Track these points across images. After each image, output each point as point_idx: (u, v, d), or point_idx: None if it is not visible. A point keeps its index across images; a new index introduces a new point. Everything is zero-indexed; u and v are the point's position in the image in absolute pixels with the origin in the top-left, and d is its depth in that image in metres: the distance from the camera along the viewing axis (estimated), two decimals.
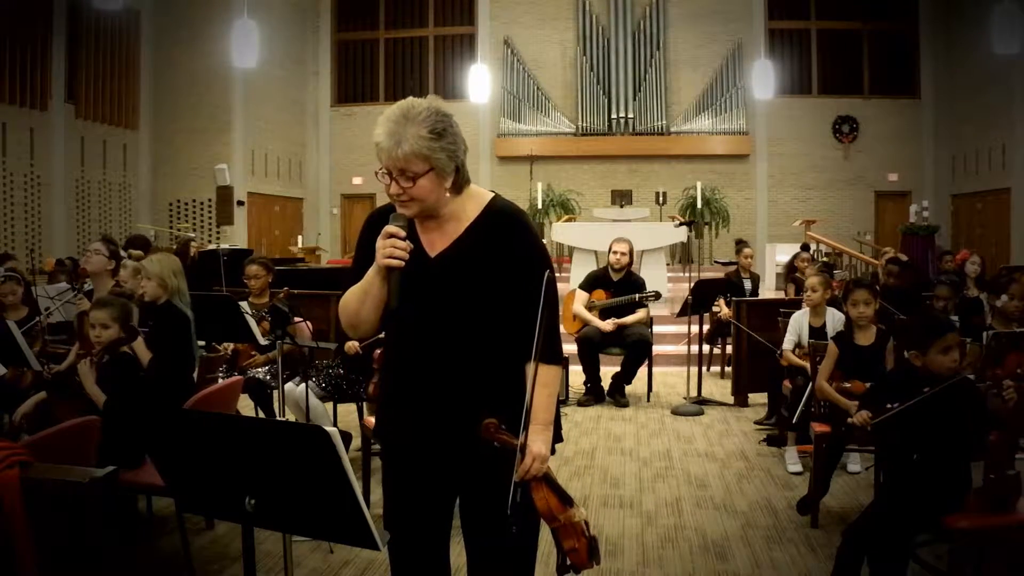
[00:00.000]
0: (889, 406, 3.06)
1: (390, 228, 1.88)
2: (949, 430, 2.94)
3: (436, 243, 2.00)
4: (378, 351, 4.69)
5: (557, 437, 2.08)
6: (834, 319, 5.02)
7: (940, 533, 2.96)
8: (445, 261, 1.98)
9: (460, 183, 1.97)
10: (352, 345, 4.81)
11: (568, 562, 1.88)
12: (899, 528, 2.85)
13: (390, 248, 1.87)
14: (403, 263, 1.87)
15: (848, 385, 3.91)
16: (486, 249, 1.97)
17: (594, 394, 6.92)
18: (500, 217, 2.01)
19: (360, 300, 1.98)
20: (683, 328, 7.73)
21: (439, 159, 1.87)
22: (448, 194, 1.95)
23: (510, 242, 1.98)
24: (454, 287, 1.96)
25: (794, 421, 4.81)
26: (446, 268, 1.98)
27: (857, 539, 2.91)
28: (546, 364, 1.94)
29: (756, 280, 8.46)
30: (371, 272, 1.94)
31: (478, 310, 1.96)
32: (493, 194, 2.07)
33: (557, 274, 12.51)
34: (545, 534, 2.05)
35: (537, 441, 1.92)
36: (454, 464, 2.01)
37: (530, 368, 1.91)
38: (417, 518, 2.08)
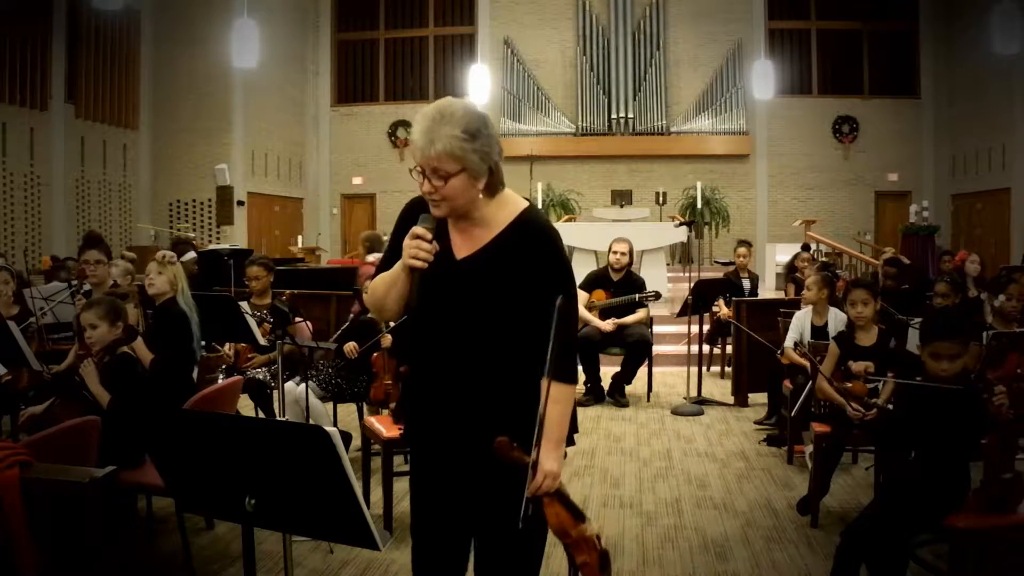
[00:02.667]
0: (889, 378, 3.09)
1: (417, 230, 1.91)
2: (948, 430, 2.94)
3: (465, 246, 2.02)
4: (376, 355, 4.72)
5: (569, 440, 2.10)
6: (836, 319, 5.02)
7: (939, 533, 2.96)
8: (470, 266, 2.00)
9: (494, 185, 1.98)
10: (351, 347, 4.83)
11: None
12: (898, 528, 2.85)
13: (415, 249, 1.89)
14: (426, 265, 1.90)
15: (849, 385, 3.91)
16: (511, 260, 1.98)
17: (594, 394, 6.92)
18: (529, 231, 2.01)
19: (386, 290, 2.02)
20: (683, 328, 7.72)
21: (471, 160, 1.89)
22: (481, 196, 1.97)
23: (534, 257, 1.98)
24: (476, 293, 1.98)
25: (792, 416, 4.81)
26: (470, 273, 1.99)
27: (856, 539, 2.91)
28: (559, 382, 1.92)
29: (755, 280, 8.46)
30: (398, 266, 1.97)
31: (497, 318, 1.97)
32: (528, 203, 2.07)
33: None
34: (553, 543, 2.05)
35: (549, 459, 1.92)
36: (472, 469, 2.02)
37: (544, 384, 1.89)
38: (439, 521, 2.09)
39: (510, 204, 2.04)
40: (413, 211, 2.04)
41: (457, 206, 1.94)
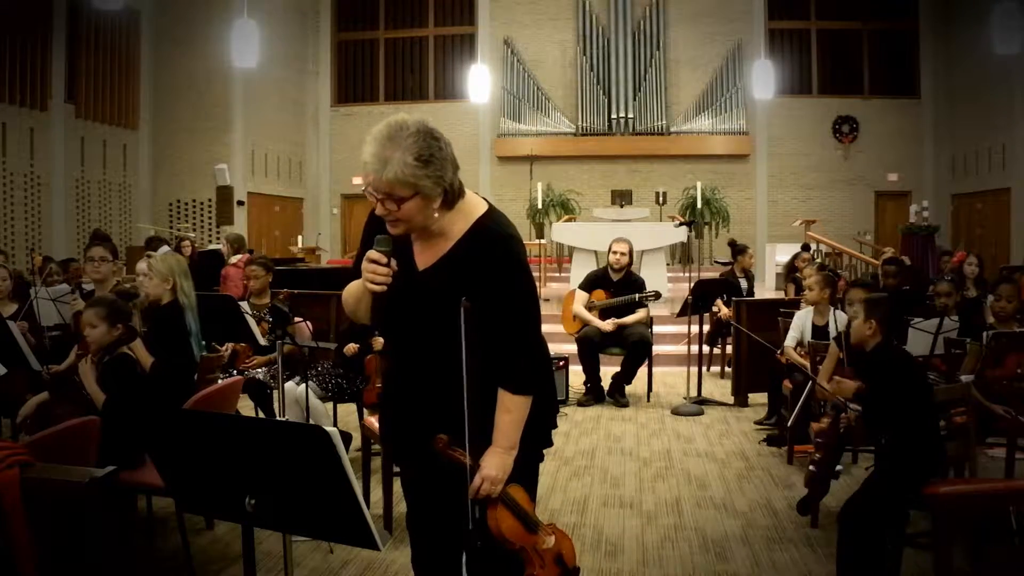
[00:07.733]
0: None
1: (372, 254, 1.90)
2: (889, 402, 3.08)
3: (425, 257, 2.04)
4: (369, 357, 4.74)
5: (547, 441, 2.13)
6: (837, 319, 5.02)
7: (920, 502, 3.07)
8: (430, 277, 2.03)
9: (452, 200, 1.97)
10: (351, 347, 4.85)
11: None
12: (886, 505, 2.98)
13: (371, 274, 1.89)
14: (384, 288, 1.90)
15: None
16: (467, 270, 1.99)
17: (594, 394, 6.91)
18: (485, 239, 2.01)
19: (356, 302, 2.08)
20: (683, 328, 7.72)
21: (424, 185, 1.87)
22: (437, 213, 1.95)
23: (490, 267, 1.98)
24: (436, 303, 1.99)
25: (790, 422, 4.81)
26: (430, 284, 2.02)
27: (855, 517, 3.00)
28: (510, 393, 1.99)
29: (751, 279, 8.48)
30: (362, 281, 1.97)
31: (456, 327, 1.96)
32: (486, 208, 2.05)
33: (557, 274, 12.35)
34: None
35: (491, 464, 1.97)
36: (442, 472, 2.05)
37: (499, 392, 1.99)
38: (426, 521, 2.17)
39: (467, 213, 2.02)
40: (378, 218, 2.03)
41: (414, 225, 1.95)
